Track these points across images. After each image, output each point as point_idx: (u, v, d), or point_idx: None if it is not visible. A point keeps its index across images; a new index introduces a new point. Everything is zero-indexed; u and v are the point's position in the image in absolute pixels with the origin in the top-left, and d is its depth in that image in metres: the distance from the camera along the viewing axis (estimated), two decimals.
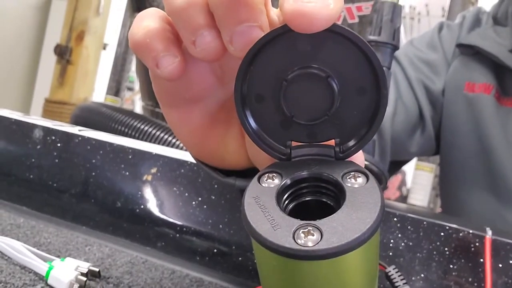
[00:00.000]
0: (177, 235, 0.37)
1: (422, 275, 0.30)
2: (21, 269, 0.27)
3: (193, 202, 0.37)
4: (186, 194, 0.37)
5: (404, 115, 0.56)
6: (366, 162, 0.32)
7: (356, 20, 1.26)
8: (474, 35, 0.58)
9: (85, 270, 0.27)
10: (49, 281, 0.25)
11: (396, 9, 0.37)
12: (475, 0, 1.64)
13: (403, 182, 2.46)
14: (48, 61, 2.49)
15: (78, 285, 0.25)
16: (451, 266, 0.30)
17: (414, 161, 1.63)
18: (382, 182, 0.33)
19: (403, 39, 1.55)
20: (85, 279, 0.26)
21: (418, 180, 1.56)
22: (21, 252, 0.28)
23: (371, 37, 0.37)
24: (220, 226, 0.36)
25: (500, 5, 0.58)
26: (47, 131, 0.43)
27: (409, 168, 1.86)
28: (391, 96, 0.55)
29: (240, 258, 0.35)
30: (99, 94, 2.33)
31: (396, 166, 0.65)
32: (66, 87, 2.18)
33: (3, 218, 0.37)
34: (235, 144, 0.24)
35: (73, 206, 0.40)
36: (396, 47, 0.37)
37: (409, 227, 0.32)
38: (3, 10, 2.44)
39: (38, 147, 0.43)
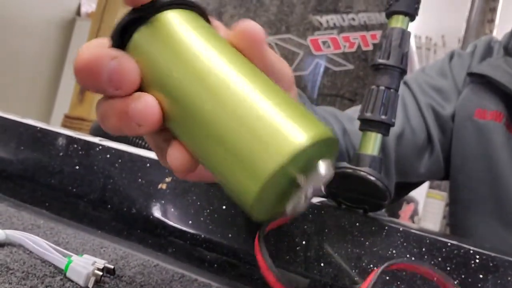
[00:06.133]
0: (188, 242, 0.38)
1: None
2: (41, 262, 0.29)
3: (205, 211, 0.39)
4: (198, 203, 0.39)
5: (411, 138, 0.58)
6: (372, 178, 0.34)
7: (371, 47, 1.29)
8: (485, 65, 0.60)
9: (101, 266, 0.28)
10: (68, 274, 0.27)
11: (404, 35, 0.39)
12: (489, 31, 1.66)
13: (415, 212, 2.44)
14: (69, 79, 2.56)
15: (94, 279, 0.27)
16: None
17: (425, 189, 1.62)
18: (386, 198, 0.35)
19: (417, 67, 1.57)
20: (101, 273, 0.27)
21: (429, 208, 1.55)
22: (42, 246, 0.29)
23: (380, 61, 0.38)
24: (230, 235, 0.37)
25: None
26: (70, 139, 0.46)
27: (421, 197, 1.85)
28: (399, 119, 0.57)
29: (247, 267, 0.36)
30: None
31: (406, 188, 0.66)
32: (86, 104, 2.24)
33: (25, 219, 0.39)
34: None
35: (90, 210, 0.42)
36: (404, 71, 0.39)
37: (411, 242, 0.33)
38: (29, 28, 2.53)
39: (61, 154, 0.45)
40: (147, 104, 0.19)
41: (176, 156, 0.20)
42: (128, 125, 0.20)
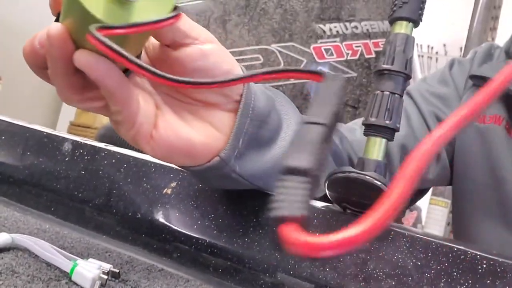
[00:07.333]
0: (193, 247, 0.38)
1: None
2: (47, 265, 0.29)
3: (209, 216, 0.39)
4: (203, 208, 0.39)
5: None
6: (377, 182, 0.34)
7: (373, 55, 1.29)
8: (486, 67, 0.60)
9: (106, 270, 0.28)
10: (73, 278, 0.27)
11: (408, 41, 0.39)
12: (491, 39, 1.66)
13: (418, 220, 2.42)
14: None
15: (100, 282, 0.27)
16: (458, 286, 0.31)
17: (428, 196, 1.62)
18: None
19: (419, 76, 1.58)
20: (106, 277, 0.27)
21: (432, 215, 1.54)
22: (48, 250, 0.29)
23: (385, 66, 0.39)
24: (234, 239, 0.37)
25: None
26: (76, 144, 0.46)
27: (424, 204, 1.84)
28: (402, 129, 0.57)
29: (252, 272, 0.36)
30: None
31: (415, 195, 0.66)
32: (91, 112, 2.25)
33: (30, 223, 0.39)
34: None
35: (96, 215, 0.42)
36: (408, 76, 0.39)
37: (417, 247, 0.33)
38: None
39: (66, 159, 0.45)
40: (51, 26, 0.23)
41: (77, 56, 0.23)
42: (48, 51, 0.23)
